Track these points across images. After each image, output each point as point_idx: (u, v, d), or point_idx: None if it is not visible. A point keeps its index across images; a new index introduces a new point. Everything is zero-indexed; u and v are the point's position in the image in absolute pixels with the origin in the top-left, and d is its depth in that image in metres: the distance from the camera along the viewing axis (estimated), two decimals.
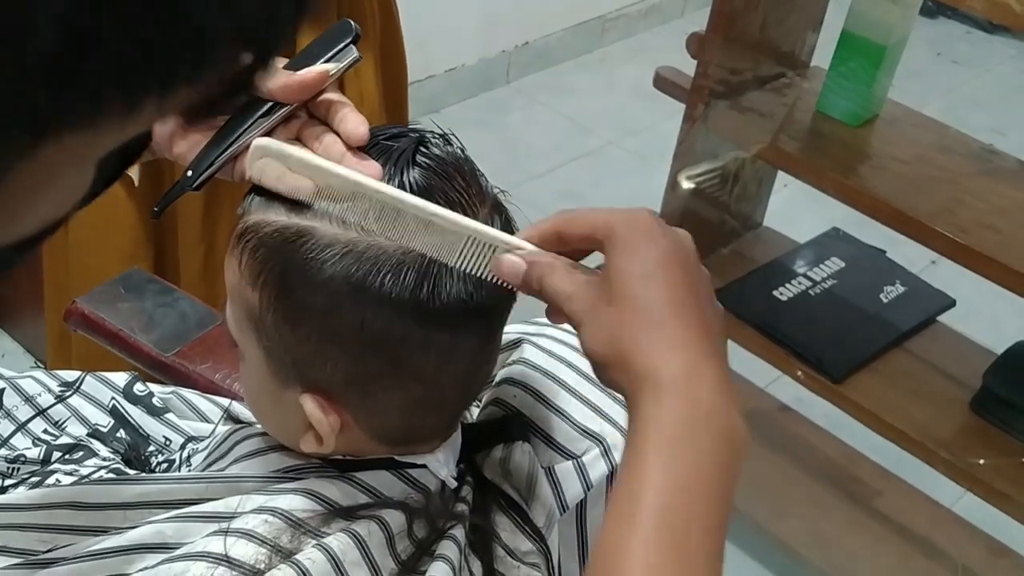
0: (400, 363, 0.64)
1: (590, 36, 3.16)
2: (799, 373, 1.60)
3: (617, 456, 0.74)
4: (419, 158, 0.64)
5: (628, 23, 3.25)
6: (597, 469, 0.74)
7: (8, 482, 0.84)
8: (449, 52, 2.79)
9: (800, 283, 1.72)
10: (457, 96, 2.83)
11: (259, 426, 0.76)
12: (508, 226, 0.67)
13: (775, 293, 1.70)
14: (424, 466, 0.70)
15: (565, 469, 0.74)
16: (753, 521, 1.77)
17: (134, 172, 1.36)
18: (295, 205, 0.63)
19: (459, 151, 0.67)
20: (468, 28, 2.82)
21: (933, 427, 1.51)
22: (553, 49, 3.07)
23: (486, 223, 0.64)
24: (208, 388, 1.02)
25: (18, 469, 0.85)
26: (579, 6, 3.08)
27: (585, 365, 0.78)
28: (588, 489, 0.74)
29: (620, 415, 0.76)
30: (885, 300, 1.69)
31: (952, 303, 1.72)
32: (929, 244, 1.42)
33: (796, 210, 2.22)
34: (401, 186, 0.63)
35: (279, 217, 0.63)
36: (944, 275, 1.88)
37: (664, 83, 1.66)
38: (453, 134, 0.68)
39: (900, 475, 1.82)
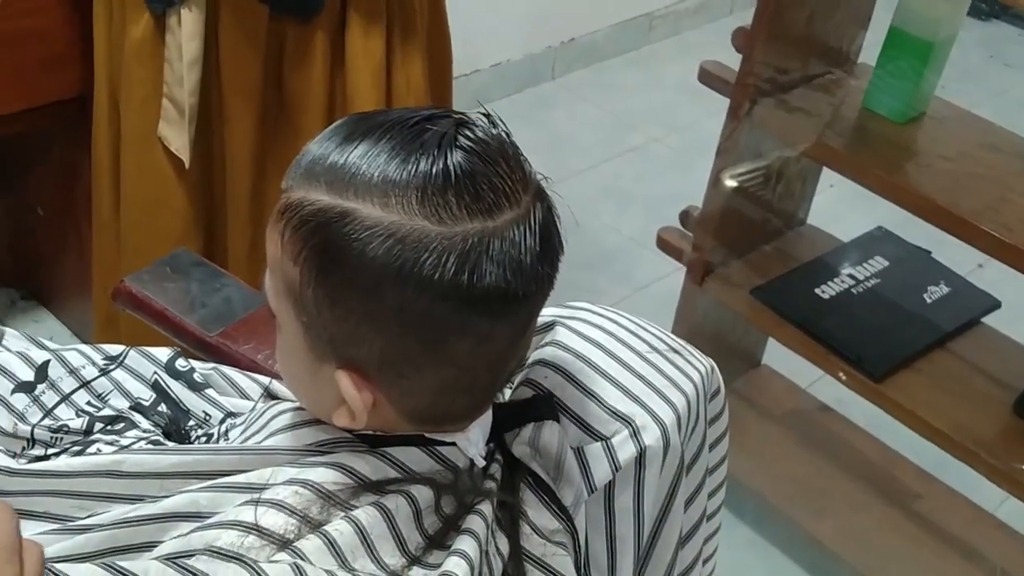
0: (436, 346, 0.64)
1: (637, 33, 3.15)
2: (840, 373, 1.59)
3: (646, 438, 0.74)
4: (461, 140, 0.64)
5: (676, 20, 3.24)
6: (626, 451, 0.74)
7: (51, 451, 0.86)
8: (495, 47, 2.80)
9: (843, 281, 1.71)
10: (502, 91, 2.84)
11: (295, 402, 0.77)
12: (550, 213, 0.67)
13: (817, 291, 1.69)
14: (454, 444, 0.71)
15: (594, 450, 0.74)
16: (790, 519, 1.77)
17: (184, 154, 1.38)
18: (339, 185, 0.63)
19: (503, 134, 0.67)
20: (514, 23, 2.83)
21: (975, 429, 1.49)
22: (599, 45, 3.06)
23: (529, 209, 0.65)
24: (250, 368, 1.03)
25: (61, 439, 0.87)
26: (627, 3, 3.08)
27: (617, 348, 0.79)
28: (616, 470, 0.74)
29: (651, 398, 0.76)
30: (929, 300, 1.68)
31: (997, 304, 1.70)
32: (974, 242, 1.41)
33: (841, 210, 2.20)
34: (444, 170, 0.63)
35: (322, 196, 0.64)
36: (990, 278, 1.86)
37: (709, 77, 1.65)
38: (500, 118, 0.68)
39: (941, 477, 1.80)
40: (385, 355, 0.65)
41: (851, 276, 1.72)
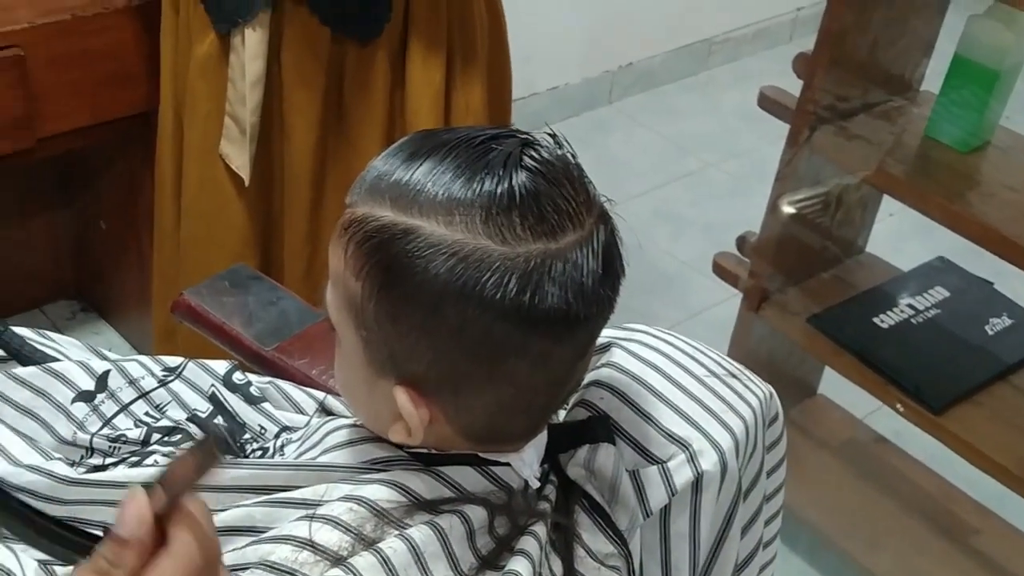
0: (495, 365, 0.64)
1: (695, 59, 3.15)
2: (897, 404, 1.56)
3: (704, 463, 0.73)
4: (526, 161, 0.64)
5: (734, 47, 3.23)
6: (683, 475, 0.73)
7: (109, 460, 0.87)
8: (553, 70, 2.81)
9: (902, 311, 1.68)
10: (559, 115, 2.84)
11: (351, 418, 0.77)
12: (612, 236, 0.66)
13: (876, 320, 1.66)
14: (508, 464, 0.71)
15: (650, 474, 0.74)
16: (844, 552, 1.74)
17: (244, 172, 1.40)
18: (403, 202, 0.64)
19: (568, 155, 0.66)
20: (572, 47, 2.83)
21: None
22: (657, 71, 3.06)
23: (592, 231, 0.64)
24: (305, 382, 1.04)
25: (119, 448, 0.88)
26: (685, 28, 3.07)
27: (674, 371, 0.78)
28: (672, 495, 0.73)
29: (709, 422, 0.76)
30: (991, 332, 1.64)
31: None
32: None
33: (900, 239, 2.17)
34: (509, 191, 0.63)
35: (386, 212, 0.64)
36: None
37: (768, 103, 1.64)
38: (565, 139, 0.68)
39: (1000, 513, 1.76)
40: (443, 372, 0.65)
41: (911, 306, 1.70)
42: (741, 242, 1.73)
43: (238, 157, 1.39)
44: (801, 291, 1.73)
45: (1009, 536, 1.74)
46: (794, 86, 1.59)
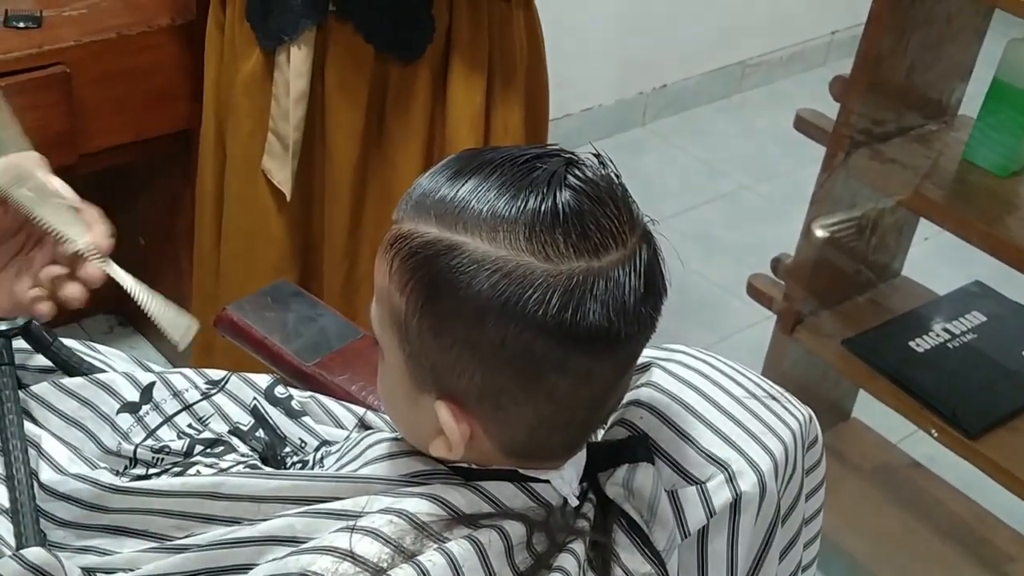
0: (535, 382, 0.65)
1: (729, 81, 3.15)
2: (932, 429, 1.55)
3: (743, 484, 0.74)
4: (571, 179, 0.64)
5: (769, 69, 3.23)
6: (721, 496, 0.73)
7: (152, 471, 0.88)
8: (587, 92, 2.82)
9: (938, 335, 1.68)
10: (593, 135, 2.85)
11: (392, 432, 0.78)
12: (655, 255, 0.67)
13: (911, 344, 1.65)
14: (548, 481, 0.71)
15: (688, 494, 0.74)
16: None
17: (286, 187, 1.42)
18: (448, 219, 0.65)
19: (612, 175, 0.67)
20: (607, 69, 2.85)
21: None
22: (691, 93, 3.07)
23: (635, 250, 0.65)
24: (345, 398, 1.05)
25: (162, 459, 0.89)
26: (719, 51, 3.08)
27: (714, 392, 0.79)
28: (711, 516, 0.73)
29: (748, 444, 0.76)
30: None
31: None
32: None
33: (936, 263, 2.16)
34: (552, 208, 0.63)
35: (431, 229, 0.65)
36: None
37: (805, 125, 1.64)
38: (609, 158, 0.68)
39: None
40: (484, 387, 0.66)
41: (947, 330, 1.68)
42: (776, 264, 1.73)
43: (280, 172, 1.41)
44: (835, 314, 1.73)
45: None
46: (829, 108, 1.59)
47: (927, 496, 1.83)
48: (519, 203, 0.63)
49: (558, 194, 0.64)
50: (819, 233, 1.67)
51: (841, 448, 1.90)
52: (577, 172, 0.65)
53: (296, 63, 1.33)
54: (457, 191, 0.65)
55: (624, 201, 0.66)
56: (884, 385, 1.60)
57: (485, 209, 0.64)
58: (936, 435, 1.55)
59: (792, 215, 1.71)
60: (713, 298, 2.39)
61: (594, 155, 0.67)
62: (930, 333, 1.67)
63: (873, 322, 1.70)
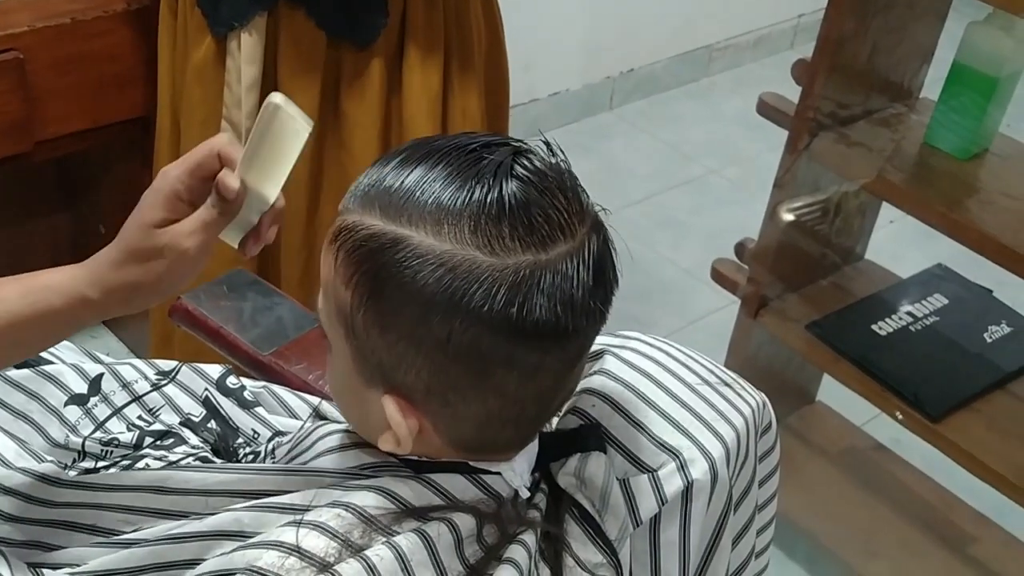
0: (482, 377, 0.64)
1: (696, 65, 3.15)
2: (896, 412, 1.56)
3: (694, 471, 0.73)
4: (518, 170, 0.63)
5: (736, 53, 3.23)
6: (673, 484, 0.73)
7: (100, 464, 0.87)
8: (553, 76, 2.81)
9: (901, 319, 1.68)
10: (560, 120, 2.85)
11: (343, 424, 0.77)
12: (606, 246, 0.66)
13: (874, 328, 1.66)
14: (499, 474, 0.70)
15: (640, 482, 0.73)
16: (842, 561, 1.73)
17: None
18: (393, 211, 0.63)
19: (561, 164, 0.66)
20: (573, 53, 2.84)
21: None
22: (658, 77, 3.06)
23: (584, 242, 0.64)
24: (301, 388, 1.04)
25: (111, 452, 0.88)
26: (686, 35, 3.07)
27: (666, 379, 0.78)
28: (663, 504, 0.73)
29: (700, 431, 0.75)
30: (989, 340, 1.64)
31: None
32: None
33: (899, 246, 2.17)
34: (498, 200, 0.62)
35: (375, 221, 0.63)
36: None
37: (768, 109, 1.64)
38: (560, 148, 0.67)
39: (999, 522, 1.76)
40: (431, 383, 0.65)
41: (910, 313, 1.69)
42: (740, 249, 1.73)
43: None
44: (800, 298, 1.73)
45: (1007, 544, 1.73)
46: (794, 93, 1.59)
47: (891, 478, 1.84)
48: (464, 195, 0.62)
49: (504, 185, 0.62)
50: (783, 217, 1.67)
51: (806, 431, 1.91)
52: (525, 162, 0.64)
53: (247, 50, 1.31)
54: (402, 182, 0.64)
55: (574, 191, 0.65)
56: (848, 369, 1.61)
57: (430, 201, 0.62)
58: (900, 418, 1.56)
59: (760, 199, 1.71)
60: (680, 283, 2.40)
61: (543, 143, 0.66)
62: (893, 316, 1.68)
63: (837, 306, 1.71)
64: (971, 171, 1.55)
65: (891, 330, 1.66)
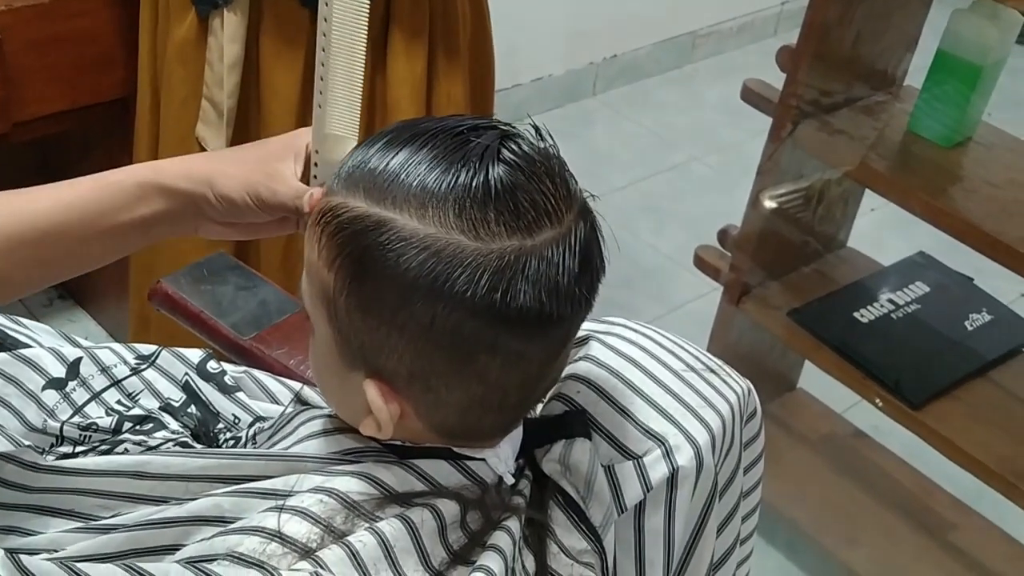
0: (465, 363, 0.63)
1: (680, 52, 3.14)
2: (876, 399, 1.56)
3: (679, 458, 0.73)
4: (505, 154, 0.62)
5: (719, 40, 3.23)
6: (658, 471, 0.73)
7: (79, 449, 0.86)
8: (537, 62, 2.80)
9: (882, 306, 1.69)
10: (543, 106, 2.84)
11: (326, 408, 0.76)
12: (593, 232, 0.65)
13: (856, 315, 1.66)
14: (483, 460, 0.70)
15: (625, 469, 0.73)
16: (822, 547, 1.74)
17: None
18: (377, 193, 0.62)
19: (550, 148, 0.65)
20: (557, 39, 2.83)
21: (1015, 460, 1.46)
22: (641, 63, 3.06)
23: (571, 228, 0.63)
24: (283, 373, 1.03)
25: (89, 437, 0.86)
26: (670, 21, 3.07)
27: (652, 365, 0.78)
28: (648, 490, 0.72)
29: (685, 417, 0.75)
30: (970, 328, 1.65)
31: None
32: (1018, 270, 1.38)
33: (882, 234, 2.18)
34: (484, 184, 0.61)
35: (360, 203, 0.62)
36: None
37: (751, 96, 1.64)
38: (548, 132, 0.66)
39: (978, 509, 1.77)
40: (413, 368, 0.64)
41: (891, 301, 1.70)
42: (722, 235, 1.73)
43: (214, 140, 1.38)
44: (782, 285, 1.73)
45: (986, 531, 1.75)
46: (778, 80, 1.59)
47: (871, 465, 1.85)
48: (450, 178, 0.61)
49: (491, 169, 0.61)
50: (766, 204, 1.67)
51: (787, 418, 1.91)
52: (512, 146, 0.63)
53: (230, 28, 1.30)
54: (387, 164, 0.63)
55: (562, 176, 0.64)
56: (829, 356, 1.61)
57: (415, 184, 0.62)
58: (880, 405, 1.56)
59: (743, 186, 1.71)
60: (663, 269, 2.40)
61: (532, 127, 0.65)
62: (875, 304, 1.69)
63: (819, 293, 1.71)
64: (954, 159, 1.55)
65: (872, 317, 1.66)
